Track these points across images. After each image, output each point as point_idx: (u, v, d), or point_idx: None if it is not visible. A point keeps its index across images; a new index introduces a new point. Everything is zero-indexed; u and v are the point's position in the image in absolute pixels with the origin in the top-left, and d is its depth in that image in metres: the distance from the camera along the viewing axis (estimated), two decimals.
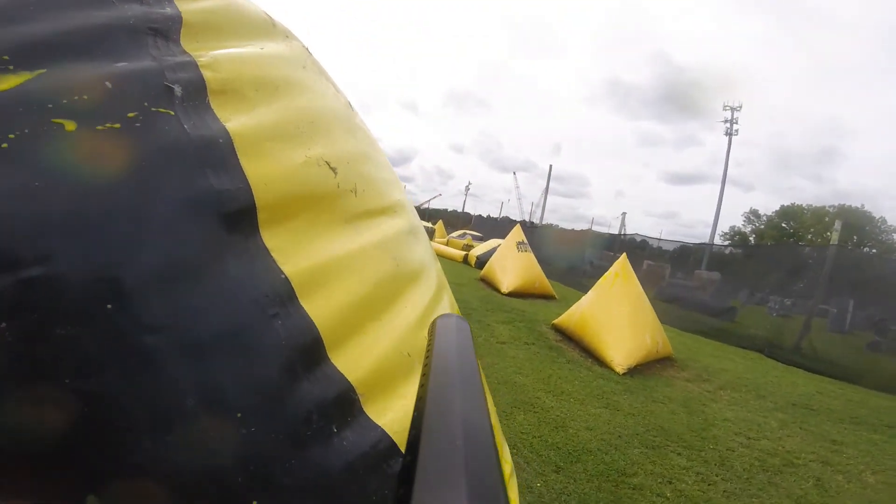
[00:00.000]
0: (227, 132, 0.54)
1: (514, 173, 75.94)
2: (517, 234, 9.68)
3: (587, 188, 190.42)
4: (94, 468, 0.37)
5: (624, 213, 56.77)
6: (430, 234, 17.22)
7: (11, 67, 0.44)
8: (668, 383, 4.59)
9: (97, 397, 0.38)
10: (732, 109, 40.44)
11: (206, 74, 0.57)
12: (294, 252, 0.56)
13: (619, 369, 4.60)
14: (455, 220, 43.70)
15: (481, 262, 11.45)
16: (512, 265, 9.07)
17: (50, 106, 0.43)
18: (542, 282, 9.37)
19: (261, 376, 0.47)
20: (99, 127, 0.44)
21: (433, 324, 0.45)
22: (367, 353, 0.60)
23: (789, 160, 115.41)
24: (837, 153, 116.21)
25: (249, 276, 0.49)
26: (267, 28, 0.76)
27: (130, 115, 0.47)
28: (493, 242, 13.31)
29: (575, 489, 2.34)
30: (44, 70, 0.45)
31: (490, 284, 9.32)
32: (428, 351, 0.39)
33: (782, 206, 50.06)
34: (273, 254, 0.53)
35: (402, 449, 0.58)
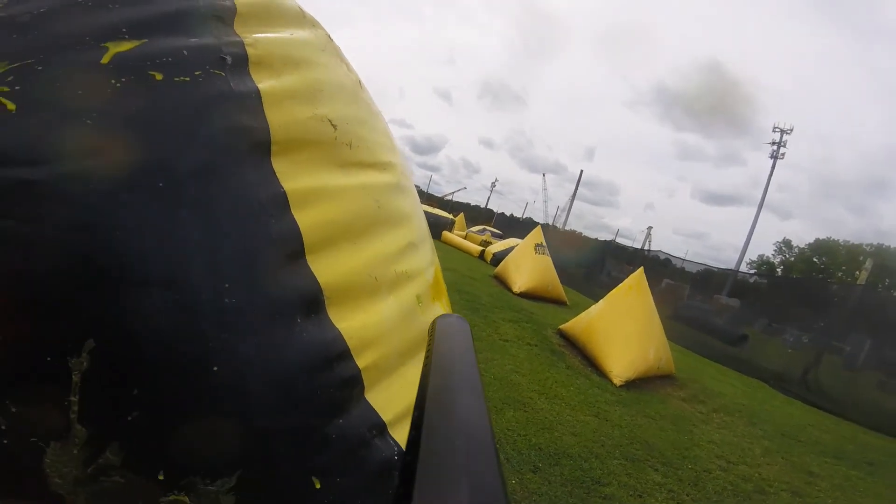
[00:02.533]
0: (258, 90, 0.77)
1: (544, 175, 75.27)
2: (537, 235, 9.70)
3: (616, 197, 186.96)
4: (103, 312, 0.53)
5: (650, 228, 55.73)
6: (450, 225, 17.28)
7: (127, 36, 0.68)
8: (663, 400, 4.65)
9: (131, 251, 0.55)
10: (782, 132, 38.76)
11: (249, 51, 0.81)
12: (293, 176, 0.76)
13: (617, 381, 4.64)
14: (477, 215, 43.52)
15: (497, 259, 11.51)
16: (527, 266, 9.10)
17: (148, 63, 0.67)
18: (556, 286, 9.38)
19: (249, 257, 0.65)
20: (176, 79, 0.68)
21: (433, 324, 0.46)
22: (339, 265, 0.78)
23: (834, 189, 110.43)
24: (888, 186, 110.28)
25: (257, 184, 0.71)
26: (298, 19, 1.00)
27: (197, 72, 0.71)
28: (511, 241, 13.32)
29: (548, 491, 2.41)
30: (146, 40, 0.69)
31: (503, 282, 9.39)
32: (428, 351, 0.39)
33: (817, 239, 48.28)
34: (278, 174, 0.74)
35: (354, 355, 0.73)
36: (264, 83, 0.79)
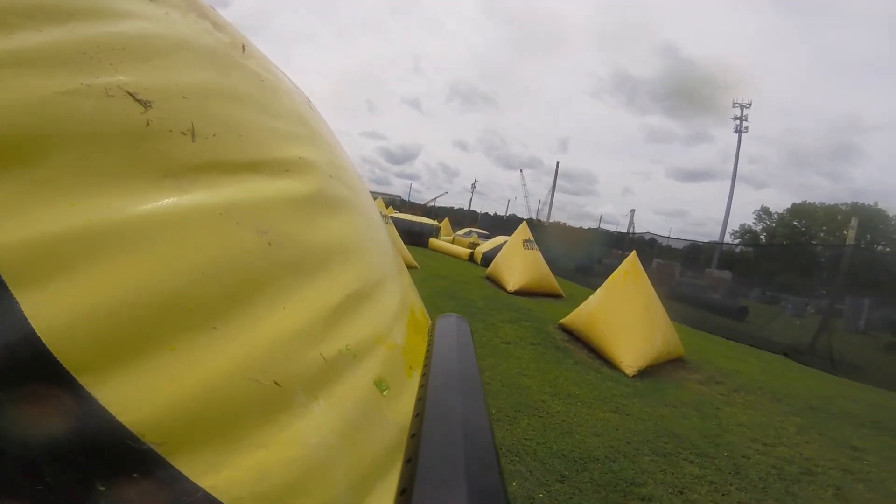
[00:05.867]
0: None
1: (521, 170, 75.92)
2: (523, 231, 9.56)
3: (595, 185, 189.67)
4: None
5: (633, 211, 56.40)
6: (436, 231, 17.02)
7: None
8: (680, 386, 4.45)
9: None
10: (742, 107, 40.30)
11: None
12: (18, 210, 0.40)
13: (629, 371, 4.46)
14: (462, 219, 43.62)
15: (487, 259, 11.33)
16: (518, 263, 8.95)
17: None
18: (549, 280, 9.24)
19: None
20: None
21: (433, 324, 0.44)
22: (177, 378, 0.42)
23: (803, 157, 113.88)
24: (853, 150, 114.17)
25: None
26: None
27: None
28: (499, 239, 13.20)
29: (580, 500, 2.22)
30: None
31: (496, 283, 9.20)
32: (428, 351, 0.38)
33: (794, 204, 49.42)
34: None
35: None
36: None
